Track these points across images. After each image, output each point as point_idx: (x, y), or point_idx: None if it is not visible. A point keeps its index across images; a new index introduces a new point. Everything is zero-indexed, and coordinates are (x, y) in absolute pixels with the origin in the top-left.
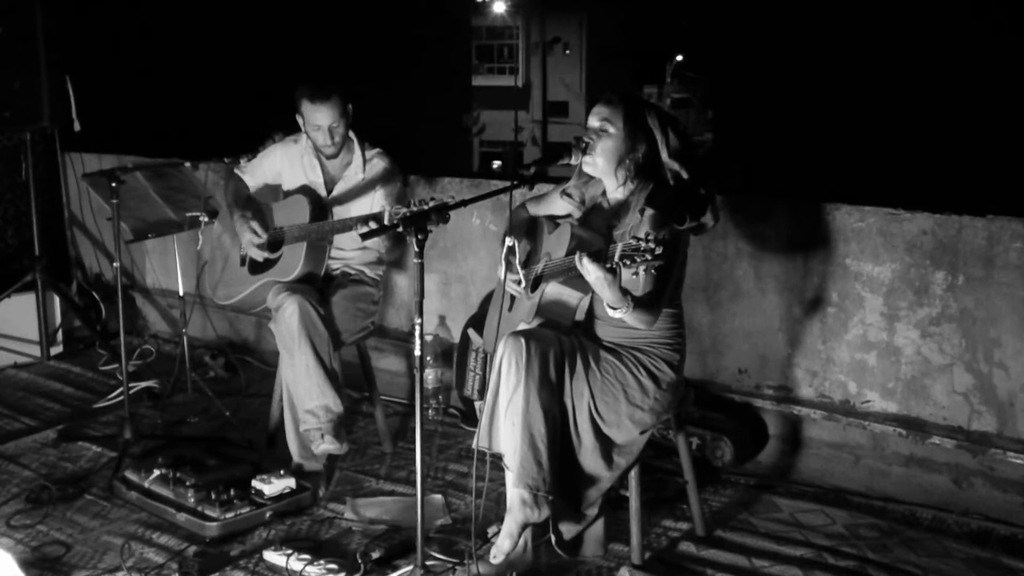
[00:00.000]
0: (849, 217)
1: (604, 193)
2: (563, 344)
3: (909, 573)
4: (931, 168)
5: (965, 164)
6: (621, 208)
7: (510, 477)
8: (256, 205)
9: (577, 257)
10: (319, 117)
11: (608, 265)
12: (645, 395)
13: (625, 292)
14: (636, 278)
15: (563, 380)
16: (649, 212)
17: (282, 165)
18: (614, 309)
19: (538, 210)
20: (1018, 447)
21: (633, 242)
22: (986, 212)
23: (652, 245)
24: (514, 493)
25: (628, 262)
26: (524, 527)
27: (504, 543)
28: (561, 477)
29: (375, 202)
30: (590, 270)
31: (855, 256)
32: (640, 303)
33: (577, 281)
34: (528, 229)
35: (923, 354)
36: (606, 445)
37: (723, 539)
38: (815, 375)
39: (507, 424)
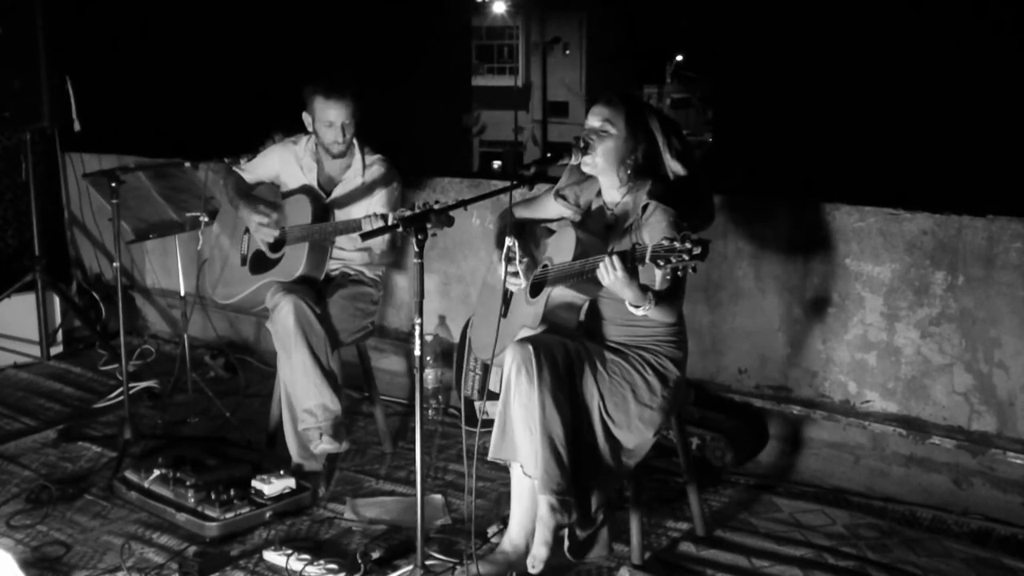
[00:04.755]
0: (849, 217)
1: (599, 194)
2: (569, 348)
3: (909, 573)
4: (931, 168)
5: (965, 164)
6: (619, 208)
7: (523, 483)
8: (262, 194)
9: (605, 260)
10: (332, 114)
11: (634, 266)
12: (653, 394)
13: (645, 288)
14: (654, 273)
15: (574, 383)
16: (660, 215)
17: (280, 166)
18: (636, 307)
19: (528, 214)
20: (1018, 447)
21: (666, 243)
22: (986, 212)
23: (689, 245)
24: (541, 500)
25: (662, 263)
26: (557, 532)
27: (541, 551)
28: (573, 480)
29: (373, 207)
30: (618, 272)
31: (855, 256)
32: (661, 296)
33: (584, 284)
34: (517, 234)
35: (923, 354)
36: (615, 447)
37: (723, 539)
38: (815, 375)
39: (523, 432)
